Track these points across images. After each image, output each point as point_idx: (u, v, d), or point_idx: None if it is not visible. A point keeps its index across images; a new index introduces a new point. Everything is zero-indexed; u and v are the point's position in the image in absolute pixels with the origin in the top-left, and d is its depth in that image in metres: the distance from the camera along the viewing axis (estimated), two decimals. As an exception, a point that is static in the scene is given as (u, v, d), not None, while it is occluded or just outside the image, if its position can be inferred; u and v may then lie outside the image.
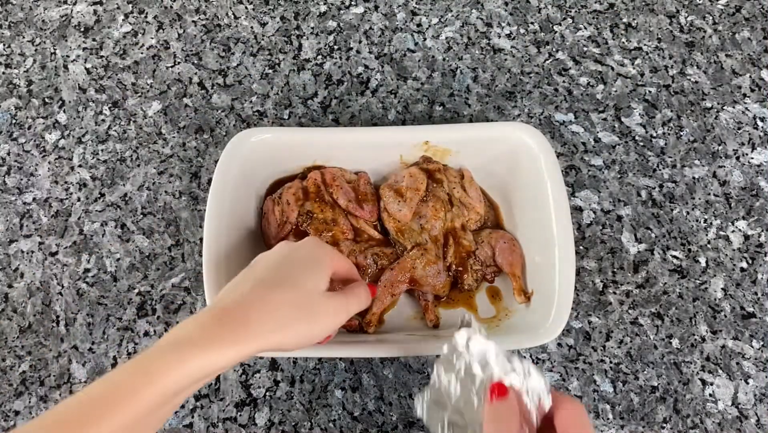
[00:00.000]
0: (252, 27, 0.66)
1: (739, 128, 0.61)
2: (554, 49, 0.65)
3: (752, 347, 0.53)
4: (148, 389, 0.30)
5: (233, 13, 0.67)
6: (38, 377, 0.52)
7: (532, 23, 0.66)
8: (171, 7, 0.68)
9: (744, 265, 0.56)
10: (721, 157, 0.60)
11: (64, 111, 0.62)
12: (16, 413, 0.51)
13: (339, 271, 0.42)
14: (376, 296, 0.49)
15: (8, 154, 0.60)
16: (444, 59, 0.65)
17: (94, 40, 0.66)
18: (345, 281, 0.44)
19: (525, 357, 0.44)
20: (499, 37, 0.66)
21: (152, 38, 0.66)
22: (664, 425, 0.50)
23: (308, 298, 0.36)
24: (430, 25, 0.66)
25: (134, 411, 0.30)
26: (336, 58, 0.65)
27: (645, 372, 0.52)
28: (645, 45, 0.65)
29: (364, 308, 0.42)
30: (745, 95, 0.63)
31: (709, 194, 0.58)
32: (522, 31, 0.66)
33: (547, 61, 0.64)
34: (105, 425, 0.29)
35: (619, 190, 0.58)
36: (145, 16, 0.67)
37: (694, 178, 0.59)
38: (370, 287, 0.44)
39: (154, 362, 0.31)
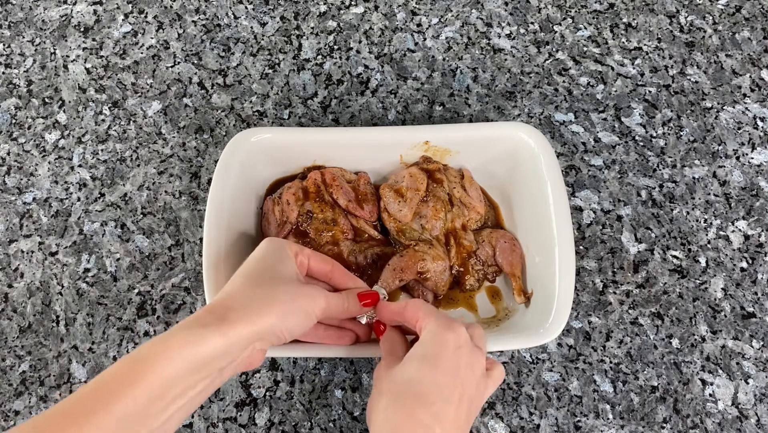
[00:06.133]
0: (252, 27, 0.66)
1: (739, 128, 0.61)
2: (554, 49, 0.65)
3: (752, 347, 0.53)
4: (143, 377, 0.31)
5: (233, 13, 0.67)
6: (38, 377, 0.52)
7: (532, 23, 0.66)
8: (171, 7, 0.68)
9: (744, 265, 0.56)
10: (721, 157, 0.60)
11: (64, 111, 0.62)
12: (16, 413, 0.51)
13: (314, 266, 0.43)
14: (382, 277, 0.49)
15: (8, 154, 0.60)
16: (444, 59, 0.65)
17: (94, 40, 0.66)
18: (330, 277, 0.44)
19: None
20: (499, 37, 0.66)
21: (152, 38, 0.66)
22: (664, 425, 0.50)
23: (284, 279, 0.39)
24: (430, 25, 0.66)
25: (133, 399, 0.30)
26: (336, 58, 0.65)
27: (645, 372, 0.52)
28: (645, 45, 0.65)
29: (346, 313, 0.42)
30: (745, 95, 0.63)
31: (709, 194, 0.58)
32: (522, 31, 0.66)
33: (547, 61, 0.64)
34: (104, 414, 0.30)
35: (619, 190, 0.58)
36: (145, 16, 0.67)
37: (694, 178, 0.59)
38: (366, 297, 0.43)
39: (141, 351, 0.32)
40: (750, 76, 0.64)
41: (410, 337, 0.43)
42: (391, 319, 0.42)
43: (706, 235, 0.57)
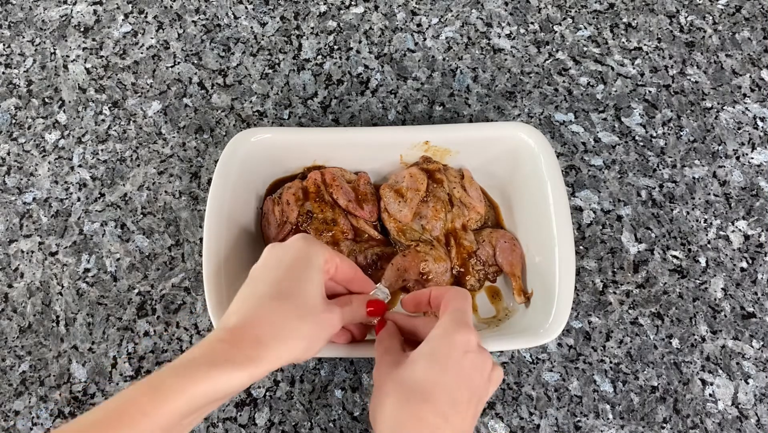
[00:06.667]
0: (252, 27, 0.66)
1: (739, 128, 0.61)
2: (554, 49, 0.65)
3: (752, 347, 0.53)
4: (159, 408, 0.30)
5: (233, 13, 0.67)
6: (38, 377, 0.52)
7: (532, 23, 0.66)
8: (171, 7, 0.68)
9: (744, 265, 0.56)
10: (721, 157, 0.60)
11: (64, 111, 0.62)
12: (16, 413, 0.51)
13: (340, 274, 0.41)
14: (385, 277, 0.49)
15: (8, 154, 0.60)
16: (444, 59, 0.65)
17: (94, 40, 0.66)
18: (350, 283, 0.43)
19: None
20: (499, 37, 0.66)
21: (152, 38, 0.66)
22: (664, 425, 0.50)
23: (311, 308, 0.37)
24: (430, 25, 0.66)
25: (145, 430, 0.30)
26: (336, 58, 0.65)
27: (645, 372, 0.52)
28: (645, 45, 0.65)
29: (355, 321, 0.43)
30: (745, 95, 0.63)
31: (709, 194, 0.58)
32: (522, 31, 0.66)
33: (547, 61, 0.64)
34: None
35: (619, 190, 0.58)
36: (145, 16, 0.67)
37: (694, 178, 0.59)
38: (373, 304, 0.43)
39: (165, 381, 0.31)
40: (750, 76, 0.64)
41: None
42: (418, 305, 0.43)
43: (706, 235, 0.57)
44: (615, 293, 0.54)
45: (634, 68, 0.64)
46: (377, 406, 0.36)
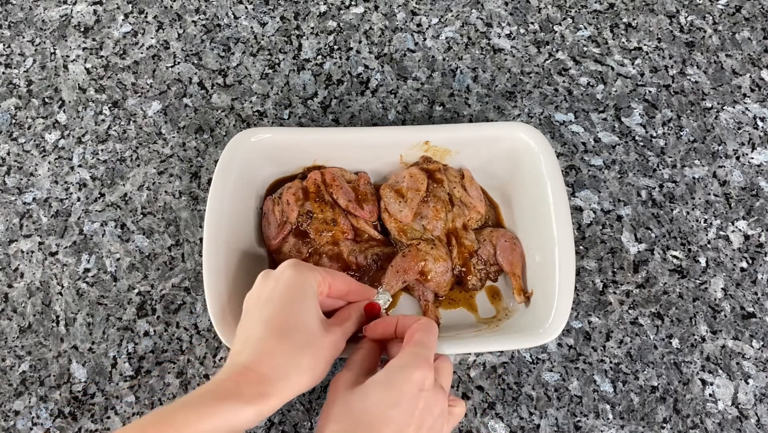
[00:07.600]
0: (252, 27, 0.66)
1: (739, 128, 0.61)
2: (554, 49, 0.65)
3: (752, 347, 0.53)
4: None
5: (233, 13, 0.67)
6: (38, 377, 0.52)
7: (532, 23, 0.66)
8: (171, 7, 0.68)
9: (744, 265, 0.56)
10: (721, 157, 0.60)
11: (64, 111, 0.62)
12: (16, 413, 0.51)
13: (334, 291, 0.42)
14: (385, 280, 0.49)
15: (8, 154, 0.60)
16: (444, 59, 0.65)
17: (94, 40, 0.66)
18: (346, 296, 0.44)
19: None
20: (499, 37, 0.66)
21: (152, 38, 0.66)
22: (664, 425, 0.50)
23: (310, 339, 0.37)
24: (430, 25, 0.66)
25: None
26: (336, 58, 0.65)
27: (645, 372, 0.52)
28: (645, 45, 0.65)
29: (358, 328, 0.43)
30: (745, 95, 0.63)
31: (709, 194, 0.58)
32: (522, 31, 0.66)
33: (547, 61, 0.64)
34: None
35: (619, 190, 0.58)
36: (145, 16, 0.67)
37: (694, 178, 0.59)
38: (369, 306, 0.44)
39: (174, 415, 0.32)
40: (750, 76, 0.64)
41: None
42: (384, 333, 0.42)
43: (706, 235, 0.57)
44: (615, 293, 0.54)
45: (634, 68, 0.64)
46: (324, 426, 0.36)
